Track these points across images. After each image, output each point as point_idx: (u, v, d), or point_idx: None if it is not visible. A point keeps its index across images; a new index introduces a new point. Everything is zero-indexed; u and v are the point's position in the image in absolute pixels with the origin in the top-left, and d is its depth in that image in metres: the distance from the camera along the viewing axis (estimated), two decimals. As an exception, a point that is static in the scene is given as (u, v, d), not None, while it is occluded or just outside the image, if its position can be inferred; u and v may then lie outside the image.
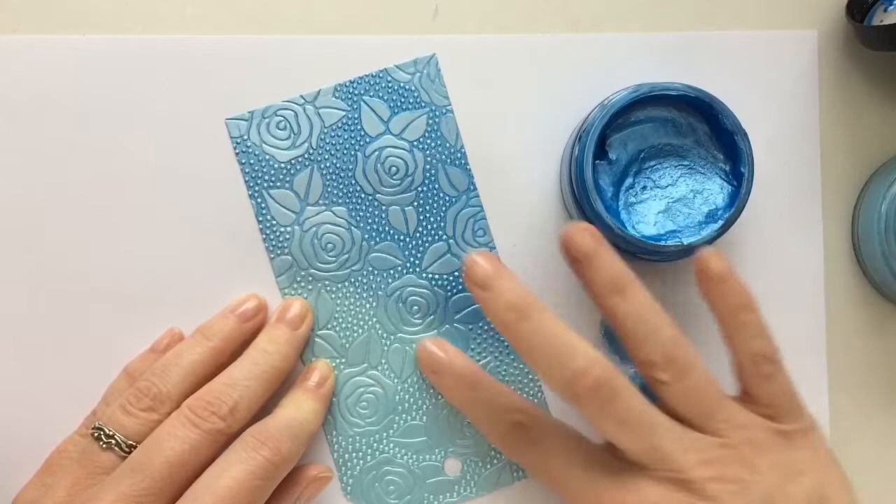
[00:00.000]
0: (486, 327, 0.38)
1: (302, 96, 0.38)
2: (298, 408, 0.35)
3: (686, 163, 0.36)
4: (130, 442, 0.33)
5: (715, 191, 0.36)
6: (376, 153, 0.38)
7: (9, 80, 0.37)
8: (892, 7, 0.37)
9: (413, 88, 0.38)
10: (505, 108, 0.38)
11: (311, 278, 0.38)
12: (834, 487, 0.31)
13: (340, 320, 0.38)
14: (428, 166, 0.38)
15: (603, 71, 0.38)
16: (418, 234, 0.38)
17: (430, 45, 0.38)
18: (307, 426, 0.35)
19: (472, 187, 0.38)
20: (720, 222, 0.35)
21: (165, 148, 0.37)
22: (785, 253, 0.39)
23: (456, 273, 0.38)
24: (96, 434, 0.33)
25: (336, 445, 0.38)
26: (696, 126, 0.36)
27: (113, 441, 0.33)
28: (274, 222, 0.38)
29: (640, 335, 0.31)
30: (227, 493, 0.31)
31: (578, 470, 0.32)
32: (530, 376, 0.38)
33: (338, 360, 0.38)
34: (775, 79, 0.39)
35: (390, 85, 0.38)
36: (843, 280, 0.40)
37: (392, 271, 0.38)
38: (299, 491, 0.36)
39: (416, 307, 0.38)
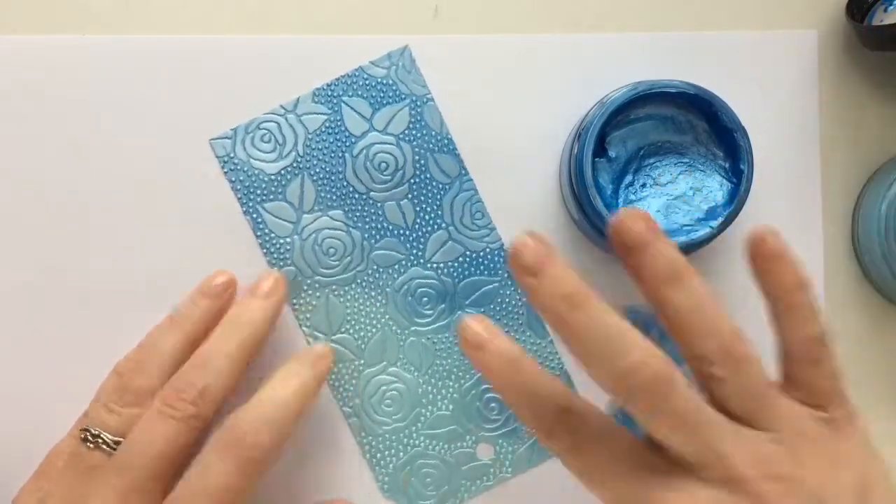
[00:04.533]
0: (498, 308, 0.38)
1: (282, 106, 0.37)
2: (274, 391, 0.34)
3: (686, 160, 0.36)
4: (117, 439, 0.33)
5: (714, 188, 0.36)
6: (364, 152, 0.38)
7: (9, 80, 0.37)
8: (892, 7, 0.37)
9: (391, 82, 0.38)
10: (505, 108, 0.38)
11: (317, 285, 0.38)
12: (876, 476, 0.30)
13: (353, 322, 0.38)
14: (417, 157, 0.38)
15: (603, 70, 0.38)
16: (417, 226, 0.38)
17: (430, 45, 0.38)
18: (284, 409, 0.33)
19: (463, 171, 0.38)
20: (720, 219, 0.35)
21: (165, 147, 0.37)
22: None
23: (460, 259, 0.38)
24: (83, 435, 0.33)
25: (367, 446, 0.38)
26: (696, 123, 0.36)
27: (100, 440, 0.33)
28: (272, 235, 0.38)
29: (696, 328, 0.29)
30: (210, 501, 0.31)
31: (622, 466, 0.30)
32: (547, 356, 0.38)
33: (356, 362, 0.38)
34: (775, 79, 0.39)
35: (367, 82, 0.38)
36: (843, 280, 0.40)
37: (397, 266, 0.38)
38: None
39: (425, 298, 0.38)
